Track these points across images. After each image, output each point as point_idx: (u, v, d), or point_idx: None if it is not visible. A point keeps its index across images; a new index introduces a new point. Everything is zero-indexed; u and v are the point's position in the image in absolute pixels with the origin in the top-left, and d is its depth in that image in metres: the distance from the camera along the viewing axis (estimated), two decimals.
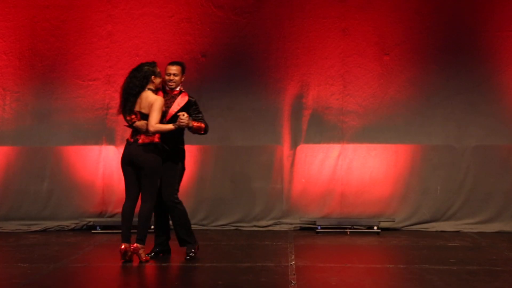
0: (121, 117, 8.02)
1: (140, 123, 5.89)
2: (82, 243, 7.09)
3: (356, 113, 8.05)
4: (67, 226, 8.00)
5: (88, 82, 8.13)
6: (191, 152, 8.04)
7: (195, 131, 6.05)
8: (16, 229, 7.87)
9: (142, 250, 5.91)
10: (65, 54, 8.12)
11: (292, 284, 5.19)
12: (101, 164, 8.11)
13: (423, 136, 8.04)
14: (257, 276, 5.47)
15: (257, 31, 8.11)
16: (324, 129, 8.06)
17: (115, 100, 8.12)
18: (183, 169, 6.24)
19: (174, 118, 5.95)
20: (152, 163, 5.90)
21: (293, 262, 6.00)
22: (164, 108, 5.93)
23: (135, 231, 5.95)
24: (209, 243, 7.08)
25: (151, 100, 5.88)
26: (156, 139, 5.92)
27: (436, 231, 7.84)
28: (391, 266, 6.04)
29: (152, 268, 5.84)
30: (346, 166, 8.06)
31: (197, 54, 8.13)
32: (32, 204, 8.04)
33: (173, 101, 6.05)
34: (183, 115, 5.82)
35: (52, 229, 7.95)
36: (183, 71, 6.12)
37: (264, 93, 8.12)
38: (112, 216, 8.07)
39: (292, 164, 8.06)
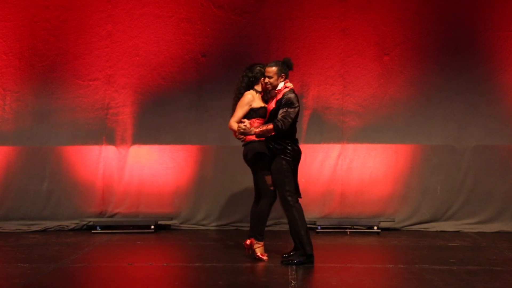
0: (121, 117, 8.13)
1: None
2: (82, 243, 7.09)
3: (356, 113, 8.05)
4: (67, 226, 8.00)
5: (88, 82, 8.14)
6: (191, 152, 8.07)
7: (263, 135, 5.91)
8: (16, 229, 7.87)
9: (256, 246, 6.08)
10: (65, 54, 8.13)
11: (292, 284, 5.19)
12: (101, 164, 8.11)
13: (423, 136, 8.04)
14: (257, 276, 5.48)
15: (257, 31, 8.12)
16: (324, 129, 8.07)
17: (115, 100, 8.14)
18: (289, 167, 5.95)
19: (271, 115, 6.00)
20: (252, 161, 6.06)
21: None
22: (258, 105, 6.07)
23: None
24: (209, 243, 7.09)
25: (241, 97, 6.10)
26: (254, 137, 6.00)
27: (436, 231, 7.84)
28: (391, 266, 6.04)
29: (152, 268, 5.84)
30: (346, 166, 8.06)
31: (197, 54, 8.13)
32: (32, 204, 8.04)
33: (272, 100, 6.11)
34: (243, 122, 5.86)
35: (52, 229, 7.95)
36: (279, 72, 6.03)
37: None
38: (112, 216, 8.07)
39: None
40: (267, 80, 6.04)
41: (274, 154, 5.99)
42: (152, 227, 7.80)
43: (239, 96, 6.15)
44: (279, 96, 6.00)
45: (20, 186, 8.06)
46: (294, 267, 5.81)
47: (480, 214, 7.94)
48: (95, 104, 8.13)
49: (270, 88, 6.07)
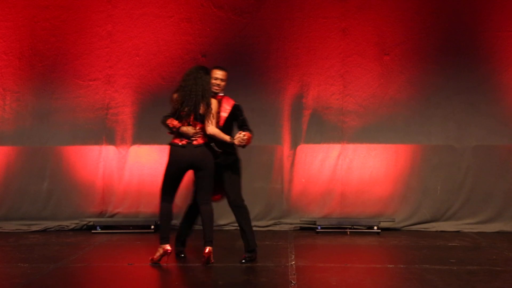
0: (121, 117, 8.12)
1: (186, 128, 5.85)
2: (82, 243, 7.09)
3: (356, 113, 8.05)
4: (67, 226, 8.00)
5: (88, 82, 8.14)
6: None
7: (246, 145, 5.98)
8: (16, 229, 7.87)
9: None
10: (65, 54, 8.13)
11: (292, 284, 5.19)
12: (101, 164, 8.11)
13: (423, 136, 8.04)
14: (257, 276, 5.48)
15: (257, 31, 8.12)
16: (324, 129, 8.06)
17: (115, 100, 8.13)
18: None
19: (226, 124, 5.97)
20: (212, 164, 5.94)
21: (293, 262, 6.00)
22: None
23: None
24: None
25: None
26: (202, 140, 5.92)
27: (436, 231, 7.84)
28: (391, 266, 6.04)
29: (152, 268, 5.84)
30: (346, 166, 8.06)
31: (197, 54, 8.13)
32: (32, 204, 8.04)
33: (219, 106, 6.00)
34: (244, 135, 5.80)
35: (52, 229, 7.95)
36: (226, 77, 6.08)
37: (264, 93, 8.11)
38: (112, 216, 8.07)
39: (292, 164, 8.06)
40: (219, 82, 5.99)
41: (228, 157, 6.05)
42: (152, 227, 7.80)
43: (208, 99, 5.85)
44: (230, 103, 6.02)
45: (20, 186, 8.06)
46: (294, 266, 5.81)
47: (480, 214, 7.94)
48: (95, 104, 8.13)
49: (218, 91, 6.01)
